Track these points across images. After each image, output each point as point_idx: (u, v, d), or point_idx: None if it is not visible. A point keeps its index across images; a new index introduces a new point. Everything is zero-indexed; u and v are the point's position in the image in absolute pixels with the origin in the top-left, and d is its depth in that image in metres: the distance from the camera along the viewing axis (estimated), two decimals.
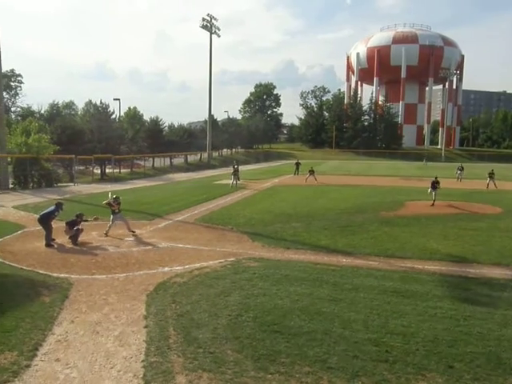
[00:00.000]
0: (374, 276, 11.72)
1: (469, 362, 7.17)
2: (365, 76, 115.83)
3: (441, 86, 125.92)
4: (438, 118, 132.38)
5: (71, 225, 15.18)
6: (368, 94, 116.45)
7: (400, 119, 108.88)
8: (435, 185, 25.34)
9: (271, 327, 8.32)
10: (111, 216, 16.76)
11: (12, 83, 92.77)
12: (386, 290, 10.60)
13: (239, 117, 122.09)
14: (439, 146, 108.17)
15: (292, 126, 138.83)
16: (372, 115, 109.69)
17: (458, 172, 43.15)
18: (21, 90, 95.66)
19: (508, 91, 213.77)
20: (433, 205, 24.27)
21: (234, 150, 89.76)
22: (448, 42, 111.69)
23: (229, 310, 9.17)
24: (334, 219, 19.97)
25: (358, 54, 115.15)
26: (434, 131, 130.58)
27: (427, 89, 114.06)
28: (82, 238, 15.32)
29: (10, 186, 33.51)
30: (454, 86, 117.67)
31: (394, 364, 7.07)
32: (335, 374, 6.73)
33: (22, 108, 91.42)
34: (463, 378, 6.72)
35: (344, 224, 18.84)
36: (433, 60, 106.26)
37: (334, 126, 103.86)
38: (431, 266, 12.91)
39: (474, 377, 6.76)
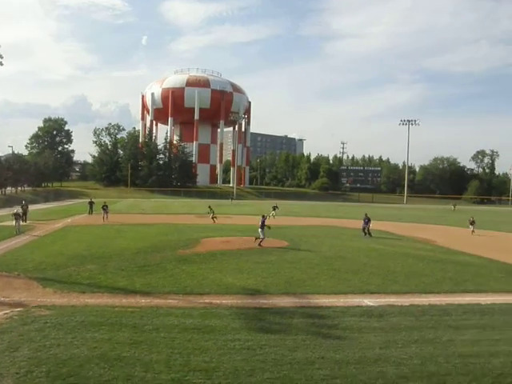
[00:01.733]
0: (175, 314, 11.77)
1: None
2: (160, 116, 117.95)
3: (231, 129, 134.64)
4: (230, 158, 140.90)
5: None
6: (163, 133, 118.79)
7: (194, 158, 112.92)
8: (264, 224, 24.84)
9: (67, 380, 7.71)
10: None
11: None
12: (186, 327, 10.72)
13: (26, 153, 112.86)
14: (231, 184, 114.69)
15: (85, 164, 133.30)
16: (167, 154, 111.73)
17: (273, 211, 45.59)
18: None
19: (289, 136, 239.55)
20: (259, 245, 23.83)
21: (19, 188, 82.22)
22: (237, 89, 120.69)
23: (16, 366, 8.22)
24: (132, 259, 19.57)
25: (152, 94, 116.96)
26: (226, 170, 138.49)
27: (219, 130, 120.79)
28: None
29: None
30: (243, 129, 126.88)
31: None
32: None
33: None
34: None
35: (142, 264, 18.58)
36: (223, 104, 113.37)
37: (129, 165, 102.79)
38: (228, 300, 13.50)
39: None
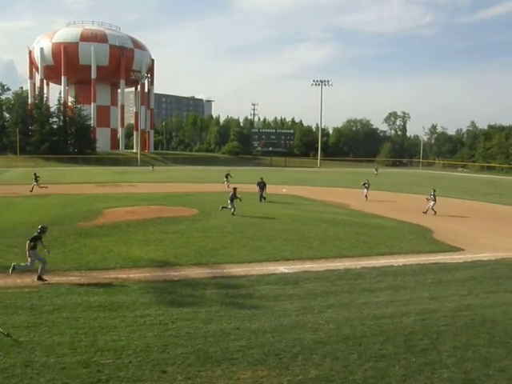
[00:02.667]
0: (77, 292, 11.50)
1: (180, 364, 7.76)
2: (51, 74, 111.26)
3: (133, 89, 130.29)
4: (132, 122, 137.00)
5: None
6: (56, 94, 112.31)
7: (92, 122, 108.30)
8: (235, 196, 25.13)
9: None
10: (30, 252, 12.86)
11: None
12: (91, 305, 10.53)
13: None
14: (134, 150, 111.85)
15: None
16: (61, 117, 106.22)
17: (226, 179, 43.99)
18: None
19: (196, 96, 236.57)
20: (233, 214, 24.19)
21: None
22: (138, 45, 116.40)
23: None
24: (26, 235, 18.39)
25: (42, 50, 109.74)
26: (129, 135, 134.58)
27: (119, 91, 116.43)
28: None
29: None
30: (146, 90, 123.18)
31: (107, 383, 7.07)
32: None
33: None
34: (176, 380, 7.24)
35: None
36: (123, 61, 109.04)
37: (18, 129, 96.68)
38: (136, 274, 13.39)
39: (186, 376, 7.36)
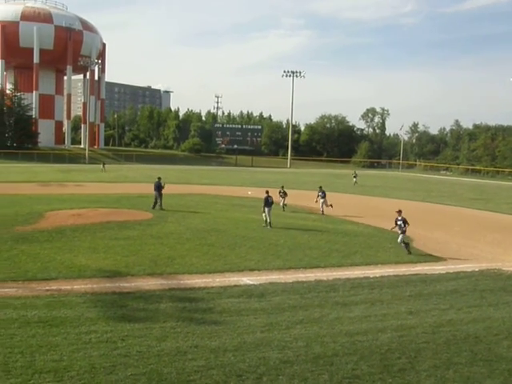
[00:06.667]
0: (13, 306, 11.26)
1: None
2: None
3: (81, 77, 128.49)
4: (80, 113, 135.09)
5: None
6: None
7: (34, 113, 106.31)
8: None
9: None
10: None
11: None
12: (28, 321, 10.32)
13: None
14: (82, 146, 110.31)
15: None
16: None
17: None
18: None
19: (153, 87, 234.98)
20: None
21: None
22: (88, 27, 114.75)
23: None
24: None
25: None
26: (76, 128, 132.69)
27: (66, 78, 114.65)
28: None
29: None
30: (96, 78, 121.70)
31: None
32: None
33: None
34: None
35: None
36: (71, 45, 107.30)
37: None
38: (81, 286, 13.18)
39: None
